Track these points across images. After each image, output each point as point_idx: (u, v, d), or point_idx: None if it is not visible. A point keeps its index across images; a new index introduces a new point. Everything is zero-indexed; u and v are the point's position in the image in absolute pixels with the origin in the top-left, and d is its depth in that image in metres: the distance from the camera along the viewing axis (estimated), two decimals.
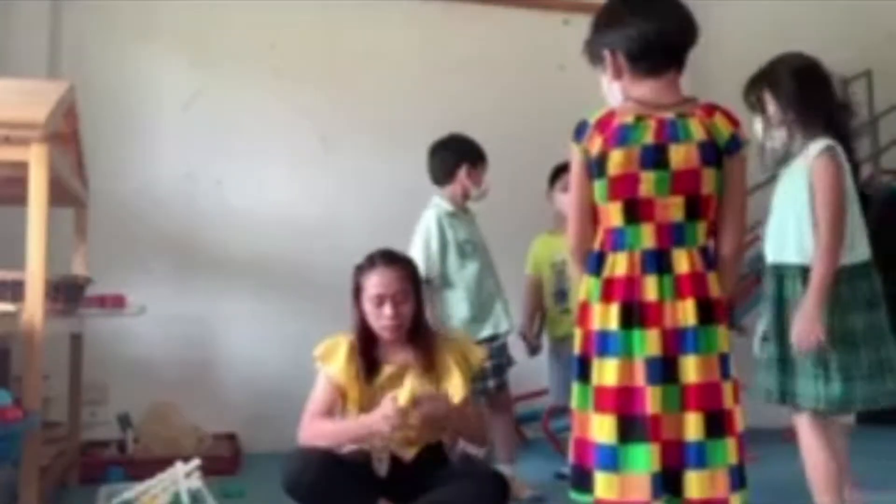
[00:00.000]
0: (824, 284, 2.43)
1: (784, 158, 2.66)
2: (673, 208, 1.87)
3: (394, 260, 2.65)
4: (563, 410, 4.14)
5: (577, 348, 1.96)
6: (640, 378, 1.82)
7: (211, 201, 4.65)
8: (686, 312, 1.84)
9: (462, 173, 3.56)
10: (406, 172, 4.82)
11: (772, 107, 2.66)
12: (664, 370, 1.82)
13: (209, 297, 4.59)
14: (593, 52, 2.04)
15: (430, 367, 2.63)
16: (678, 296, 1.85)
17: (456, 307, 3.44)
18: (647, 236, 1.88)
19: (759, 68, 2.78)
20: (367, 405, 2.62)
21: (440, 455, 2.71)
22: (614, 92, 2.03)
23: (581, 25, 5.54)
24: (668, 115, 1.91)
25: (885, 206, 5.27)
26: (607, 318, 1.88)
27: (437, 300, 3.41)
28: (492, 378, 3.42)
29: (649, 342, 1.83)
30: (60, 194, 3.07)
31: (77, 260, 3.73)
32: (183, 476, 2.88)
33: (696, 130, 1.89)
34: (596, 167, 1.92)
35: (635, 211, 1.88)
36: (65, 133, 3.27)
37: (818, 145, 2.56)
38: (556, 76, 5.27)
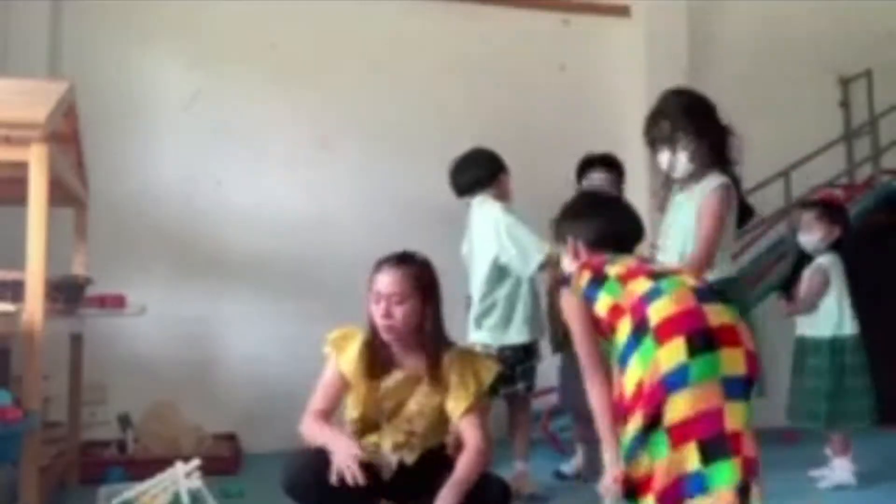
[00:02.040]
0: None
1: (680, 186, 3.00)
2: (689, 276, 2.11)
3: (402, 262, 2.62)
4: (566, 411, 4.16)
5: (640, 415, 1.89)
6: (717, 399, 1.83)
7: (211, 201, 4.65)
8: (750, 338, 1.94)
9: (505, 178, 3.66)
10: (405, 172, 4.83)
11: (682, 140, 2.91)
12: (744, 389, 1.86)
13: (209, 296, 4.59)
14: (558, 236, 2.40)
15: (439, 378, 2.61)
16: (740, 322, 1.94)
17: (519, 307, 3.55)
18: (683, 281, 2.00)
19: (657, 106, 3.04)
20: (370, 406, 2.62)
21: (442, 459, 2.71)
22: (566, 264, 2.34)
23: (581, 25, 5.56)
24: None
25: (885, 207, 5.28)
26: (672, 354, 1.85)
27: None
28: (521, 381, 3.49)
29: (734, 362, 1.86)
30: (60, 194, 3.07)
31: (77, 260, 3.72)
32: (183, 476, 2.88)
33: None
34: (595, 285, 2.08)
35: (659, 275, 2.02)
36: (65, 133, 3.27)
37: (715, 181, 2.87)
38: (556, 76, 5.28)
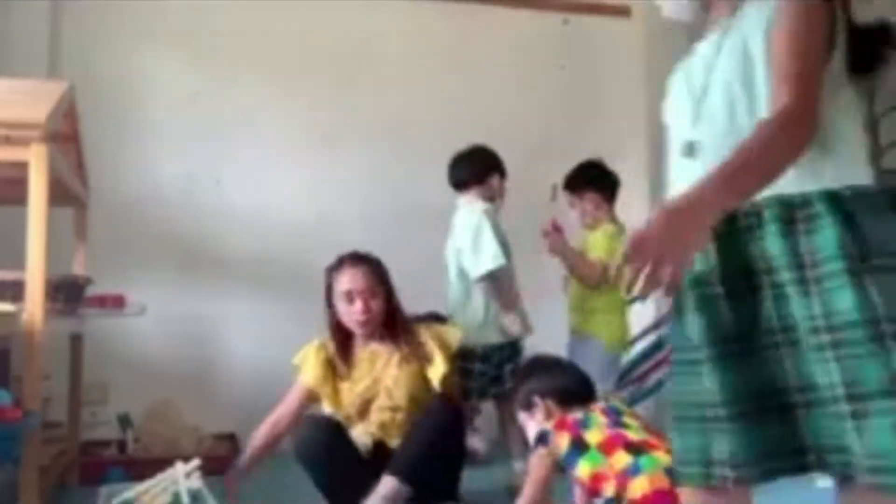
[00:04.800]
0: None
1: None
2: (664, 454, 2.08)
3: (361, 259, 2.84)
4: None
5: None
6: None
7: (211, 201, 4.65)
8: None
9: (494, 180, 3.60)
10: (406, 172, 4.83)
11: None
12: None
13: (209, 296, 4.59)
14: (524, 400, 2.49)
15: (411, 354, 2.73)
16: None
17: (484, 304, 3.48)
18: (658, 462, 2.05)
19: None
20: (349, 401, 2.70)
21: None
22: (531, 429, 2.46)
23: (581, 25, 5.55)
24: (600, 404, 2.31)
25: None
26: None
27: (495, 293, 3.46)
28: (510, 380, 3.45)
29: None
30: (60, 194, 3.07)
31: (77, 260, 3.72)
32: (183, 476, 2.88)
33: (618, 405, 2.34)
34: (575, 452, 2.15)
35: (639, 448, 2.09)
36: (65, 133, 3.27)
37: None
38: (556, 76, 5.28)
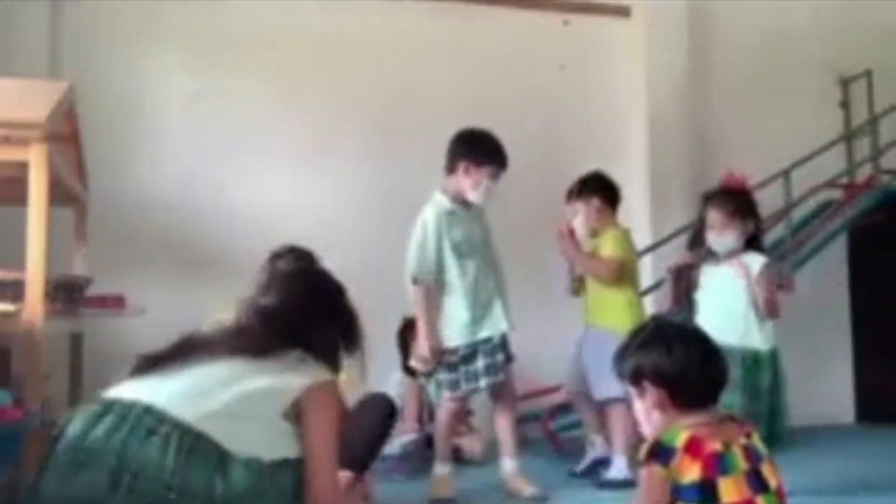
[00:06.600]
0: None
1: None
2: None
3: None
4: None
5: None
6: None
7: (211, 201, 4.65)
8: None
9: (461, 169, 3.50)
10: (406, 173, 4.82)
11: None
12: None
13: (209, 297, 4.55)
14: (632, 374, 1.96)
15: None
16: None
17: (455, 309, 3.41)
18: None
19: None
20: None
21: None
22: (654, 419, 1.95)
23: (581, 25, 5.53)
24: (742, 439, 1.91)
25: (885, 207, 5.28)
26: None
27: (432, 301, 3.41)
28: (483, 377, 3.39)
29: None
30: (60, 194, 3.07)
31: (77, 260, 3.72)
32: None
33: (760, 446, 1.93)
34: (697, 495, 1.84)
35: None
36: (65, 133, 3.27)
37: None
38: (556, 76, 5.28)
